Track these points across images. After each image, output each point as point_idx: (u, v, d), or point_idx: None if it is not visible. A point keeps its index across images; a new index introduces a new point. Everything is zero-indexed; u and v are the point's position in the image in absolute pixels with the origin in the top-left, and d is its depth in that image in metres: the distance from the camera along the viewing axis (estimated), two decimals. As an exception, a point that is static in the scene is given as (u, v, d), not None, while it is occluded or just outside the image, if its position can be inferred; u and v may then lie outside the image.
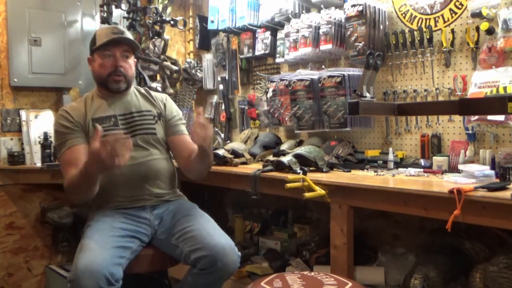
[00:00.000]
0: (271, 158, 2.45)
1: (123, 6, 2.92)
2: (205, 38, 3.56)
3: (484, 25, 2.07)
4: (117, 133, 1.74)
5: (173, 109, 2.26)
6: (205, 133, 1.92)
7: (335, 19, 2.57)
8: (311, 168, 2.28)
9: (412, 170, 2.18)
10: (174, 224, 2.00)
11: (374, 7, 2.43)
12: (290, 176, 2.05)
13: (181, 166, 2.20)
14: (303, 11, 2.84)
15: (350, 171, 2.30)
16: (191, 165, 2.13)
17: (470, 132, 2.15)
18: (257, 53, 3.10)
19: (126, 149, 1.69)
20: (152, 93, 2.27)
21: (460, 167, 1.95)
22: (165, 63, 3.30)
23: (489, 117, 1.96)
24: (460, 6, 2.24)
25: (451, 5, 2.27)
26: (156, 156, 2.12)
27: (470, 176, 1.80)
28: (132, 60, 2.14)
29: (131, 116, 2.12)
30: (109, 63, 2.06)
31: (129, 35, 2.14)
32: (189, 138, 2.20)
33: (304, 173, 2.12)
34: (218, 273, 1.82)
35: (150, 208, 2.07)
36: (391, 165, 2.33)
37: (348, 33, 2.49)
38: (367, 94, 1.73)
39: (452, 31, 2.25)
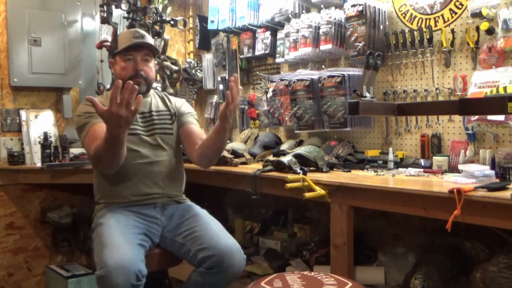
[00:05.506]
0: (271, 158, 2.45)
1: (123, 6, 2.91)
2: (205, 38, 3.57)
3: (484, 25, 2.07)
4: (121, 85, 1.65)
5: (187, 108, 2.27)
6: (234, 93, 1.84)
7: (335, 19, 2.57)
8: (311, 168, 2.28)
9: (412, 170, 2.18)
10: (181, 223, 2.01)
11: (374, 7, 2.43)
12: (290, 176, 2.05)
13: (192, 153, 2.14)
14: (303, 11, 2.84)
15: (350, 171, 2.31)
16: (203, 149, 2.07)
17: (470, 132, 2.16)
18: (257, 53, 3.10)
19: (133, 94, 1.59)
20: (171, 97, 2.30)
21: (460, 167, 1.95)
22: (165, 63, 3.30)
23: (489, 117, 1.95)
24: (460, 6, 2.24)
25: (451, 5, 2.27)
26: (171, 156, 2.16)
27: (470, 176, 1.79)
28: (152, 64, 2.17)
29: (150, 115, 2.16)
30: (130, 67, 2.09)
31: (149, 39, 2.17)
32: (200, 129, 2.23)
33: (304, 173, 2.12)
34: (223, 274, 1.83)
35: (160, 207, 2.08)
36: (391, 165, 2.33)
37: (348, 33, 2.49)
38: (367, 94, 1.73)
39: (452, 31, 2.25)
